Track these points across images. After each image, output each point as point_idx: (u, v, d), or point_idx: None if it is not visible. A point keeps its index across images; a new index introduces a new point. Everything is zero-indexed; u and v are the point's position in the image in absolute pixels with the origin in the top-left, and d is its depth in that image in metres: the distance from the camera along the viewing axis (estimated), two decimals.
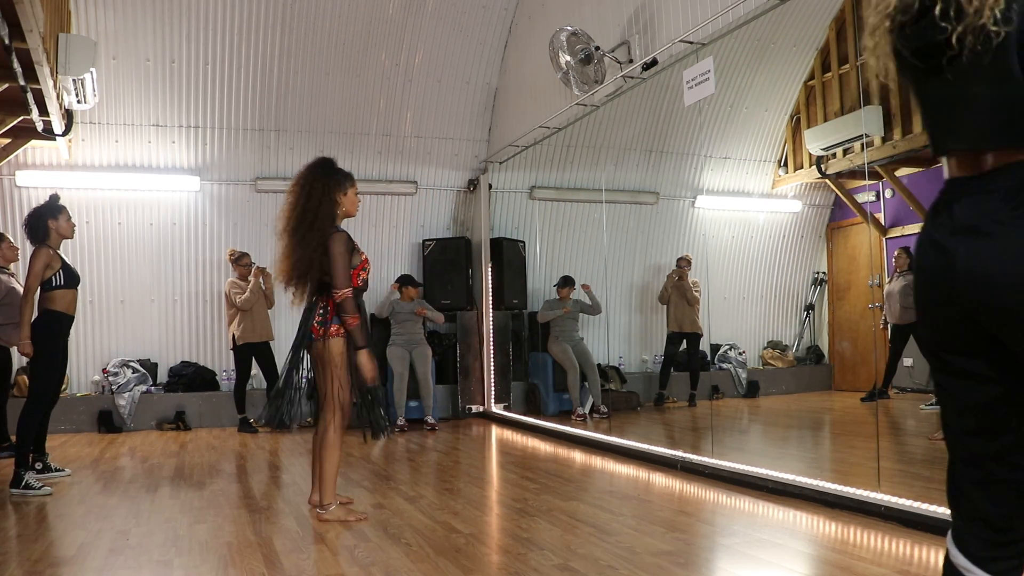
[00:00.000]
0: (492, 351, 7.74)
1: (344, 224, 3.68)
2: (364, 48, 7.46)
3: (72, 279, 4.60)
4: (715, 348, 8.42)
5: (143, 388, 7.11)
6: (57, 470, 4.85)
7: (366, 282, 3.67)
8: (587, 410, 7.25)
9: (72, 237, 4.78)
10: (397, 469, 5.11)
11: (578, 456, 5.47)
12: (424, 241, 8.10)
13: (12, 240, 5.65)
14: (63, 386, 7.02)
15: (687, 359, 7.76)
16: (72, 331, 7.03)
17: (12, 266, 5.65)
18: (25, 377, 6.38)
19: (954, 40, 1.26)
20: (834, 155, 7.56)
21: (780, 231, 8.88)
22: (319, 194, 3.53)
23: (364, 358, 3.51)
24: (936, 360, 1.41)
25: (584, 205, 8.32)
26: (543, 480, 4.54)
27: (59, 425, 6.77)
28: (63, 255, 4.63)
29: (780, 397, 8.35)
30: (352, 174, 3.73)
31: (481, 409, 7.79)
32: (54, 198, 4.66)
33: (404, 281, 7.22)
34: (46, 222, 4.54)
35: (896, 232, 7.30)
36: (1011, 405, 1.34)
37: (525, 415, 7.39)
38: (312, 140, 7.65)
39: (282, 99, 7.46)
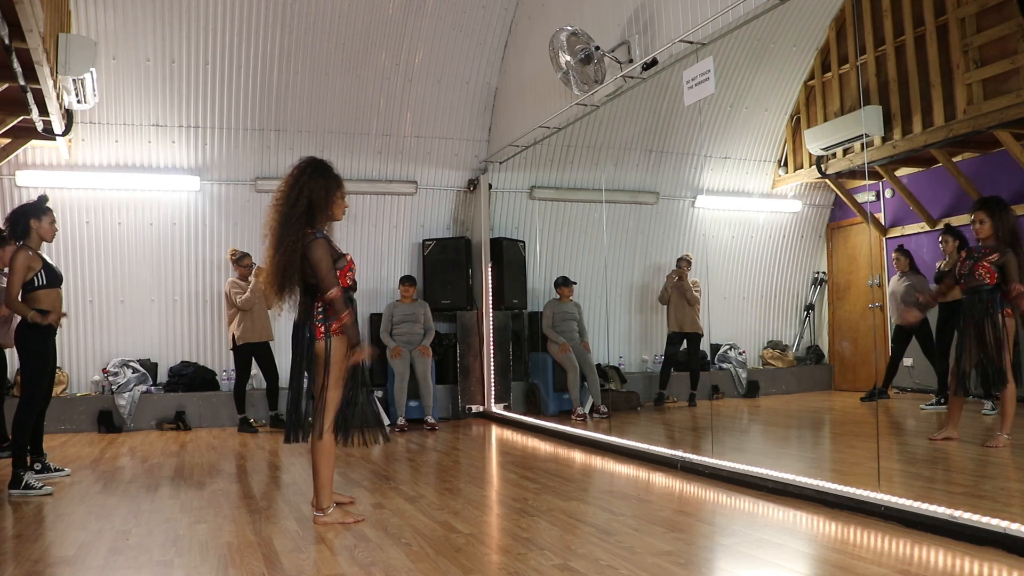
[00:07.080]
0: (492, 351, 7.74)
1: (342, 225, 3.63)
2: (364, 48, 7.46)
3: (55, 278, 4.52)
4: (715, 348, 8.43)
5: (143, 388, 7.11)
6: (57, 470, 4.84)
7: (355, 282, 3.61)
8: (587, 410, 7.25)
9: (52, 241, 4.65)
10: (397, 469, 5.11)
11: (578, 456, 5.47)
12: (424, 241, 8.09)
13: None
14: (63, 386, 7.04)
15: (687, 359, 7.77)
16: (72, 331, 7.20)
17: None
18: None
19: None
20: (834, 155, 7.56)
21: (780, 231, 8.89)
22: (306, 195, 3.43)
23: (361, 353, 3.51)
24: None
25: (584, 205, 8.32)
26: (543, 480, 4.54)
27: (59, 425, 6.78)
28: (45, 256, 4.55)
29: (780, 397, 8.35)
30: (340, 177, 3.59)
31: (481, 409, 7.79)
32: (42, 199, 4.57)
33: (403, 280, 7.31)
34: (28, 221, 4.45)
35: (896, 232, 7.29)
36: None
37: (525, 415, 7.39)
38: (312, 140, 7.65)
39: (282, 99, 7.47)
